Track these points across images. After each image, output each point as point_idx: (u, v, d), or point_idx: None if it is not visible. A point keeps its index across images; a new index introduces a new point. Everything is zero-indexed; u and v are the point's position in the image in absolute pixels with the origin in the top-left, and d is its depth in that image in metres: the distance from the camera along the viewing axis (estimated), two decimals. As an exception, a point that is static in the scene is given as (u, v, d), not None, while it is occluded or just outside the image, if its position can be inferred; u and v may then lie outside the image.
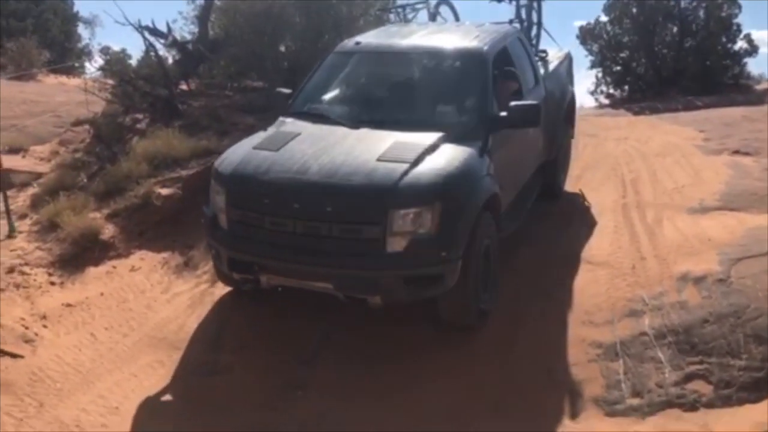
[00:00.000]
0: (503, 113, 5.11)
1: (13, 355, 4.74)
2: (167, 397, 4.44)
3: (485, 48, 5.61)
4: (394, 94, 5.58)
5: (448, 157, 4.69)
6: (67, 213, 6.45)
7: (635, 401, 4.21)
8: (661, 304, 4.88)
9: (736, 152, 8.09)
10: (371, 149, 4.70)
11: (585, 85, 16.64)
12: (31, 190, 7.50)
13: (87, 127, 9.16)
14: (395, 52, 5.88)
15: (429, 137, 4.82)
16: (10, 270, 5.80)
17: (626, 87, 16.97)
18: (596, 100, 16.72)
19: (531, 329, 4.90)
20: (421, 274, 4.41)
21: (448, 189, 4.48)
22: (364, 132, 4.99)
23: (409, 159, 4.55)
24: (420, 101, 5.44)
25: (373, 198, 4.39)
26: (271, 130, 5.30)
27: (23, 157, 8.59)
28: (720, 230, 5.79)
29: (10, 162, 7.83)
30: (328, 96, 5.75)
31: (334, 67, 5.93)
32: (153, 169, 7.16)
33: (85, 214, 6.54)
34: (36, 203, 7.07)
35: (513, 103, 5.13)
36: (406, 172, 4.45)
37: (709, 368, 4.30)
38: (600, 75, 16.95)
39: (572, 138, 7.66)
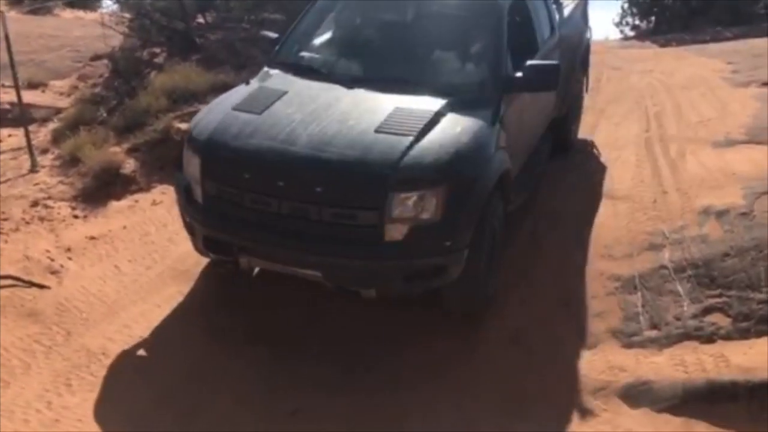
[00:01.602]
0: (518, 74, 4.56)
1: (41, 286, 4.85)
2: (191, 328, 4.51)
3: None
4: (394, 47, 4.89)
5: (456, 128, 4.12)
6: (88, 147, 6.51)
7: (652, 333, 4.22)
8: (681, 238, 4.85)
9: (765, 84, 7.84)
10: (368, 117, 4.16)
11: (610, 16, 16.09)
12: (52, 125, 7.55)
13: (105, 61, 9.16)
14: None
15: (433, 103, 4.27)
16: (34, 203, 5.90)
17: (653, 18, 16.44)
18: (621, 32, 16.23)
19: (549, 262, 4.91)
20: (423, 265, 3.91)
21: (457, 169, 3.93)
22: (360, 94, 4.43)
23: (412, 131, 4.00)
24: (423, 57, 4.78)
25: (370, 178, 3.83)
26: (254, 84, 4.70)
27: (43, 92, 8.60)
28: (745, 164, 5.68)
29: (30, 97, 7.85)
30: (319, 44, 5.16)
31: (328, 10, 5.29)
32: (171, 103, 7.16)
33: (105, 149, 6.61)
34: (57, 138, 7.13)
35: (530, 63, 4.61)
36: (408, 148, 3.89)
37: (728, 301, 4.29)
38: (626, 6, 16.41)
39: (586, 91, 7.17)
